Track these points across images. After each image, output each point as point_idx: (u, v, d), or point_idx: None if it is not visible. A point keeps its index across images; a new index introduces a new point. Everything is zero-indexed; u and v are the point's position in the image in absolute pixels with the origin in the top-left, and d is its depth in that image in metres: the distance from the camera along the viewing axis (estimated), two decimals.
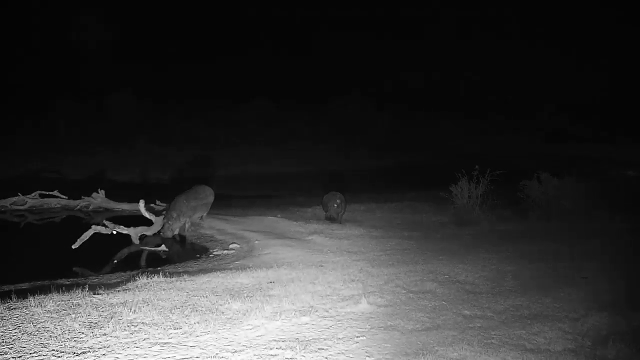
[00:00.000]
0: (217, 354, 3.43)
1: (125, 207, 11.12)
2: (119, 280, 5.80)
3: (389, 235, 8.30)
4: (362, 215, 10.32)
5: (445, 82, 34.77)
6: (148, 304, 4.33)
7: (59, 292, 4.63)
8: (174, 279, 5.37)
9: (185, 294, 4.71)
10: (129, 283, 5.20)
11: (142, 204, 9.07)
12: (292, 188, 16.13)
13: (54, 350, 3.37)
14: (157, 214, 9.57)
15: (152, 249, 8.10)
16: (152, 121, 27.06)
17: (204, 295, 4.66)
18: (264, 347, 3.54)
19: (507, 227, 9.01)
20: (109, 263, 7.35)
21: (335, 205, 9.43)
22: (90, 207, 11.30)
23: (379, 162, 24.00)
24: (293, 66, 34.15)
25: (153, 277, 5.40)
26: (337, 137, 28.74)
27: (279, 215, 9.96)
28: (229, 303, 4.45)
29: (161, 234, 8.73)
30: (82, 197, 11.40)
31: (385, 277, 5.57)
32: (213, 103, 29.71)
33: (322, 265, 6.09)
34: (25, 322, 3.82)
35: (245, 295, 4.72)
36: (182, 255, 7.80)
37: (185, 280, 5.26)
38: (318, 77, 33.79)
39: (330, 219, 9.51)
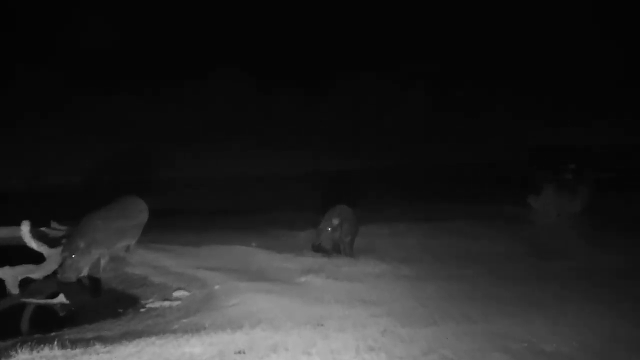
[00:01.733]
0: None
1: None
2: None
3: (427, 275, 8.46)
4: (385, 243, 10.54)
5: (501, 49, 34.97)
6: None
7: None
8: (77, 351, 5.26)
9: None
10: None
11: (25, 227, 8.92)
12: (277, 199, 16.23)
13: None
14: (52, 243, 9.38)
15: (43, 301, 8.09)
16: (58, 95, 26.93)
17: None
18: None
19: (625, 261, 9.09)
20: None
21: (329, 228, 9.63)
22: None
23: (408, 161, 24.02)
24: (282, 30, 34.00)
25: (41, 349, 5.30)
26: (345, 125, 28.81)
27: (254, 244, 10.27)
28: None
29: (59, 276, 8.66)
30: None
31: (424, 343, 5.59)
32: (162, 76, 29.56)
33: (321, 325, 6.19)
34: None
35: None
36: (95, 310, 7.82)
37: (98, 353, 5.19)
38: (316, 44, 33.76)
39: (320, 250, 9.76)
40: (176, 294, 7.96)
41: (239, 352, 5.21)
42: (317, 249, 9.86)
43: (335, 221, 9.69)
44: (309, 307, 6.97)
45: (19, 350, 5.26)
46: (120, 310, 7.66)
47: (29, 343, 5.51)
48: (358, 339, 5.67)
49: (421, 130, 29.12)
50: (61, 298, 8.08)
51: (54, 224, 10.85)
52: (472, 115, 31.96)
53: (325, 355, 5.21)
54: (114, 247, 9.37)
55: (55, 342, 5.52)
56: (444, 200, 14.88)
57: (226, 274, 8.41)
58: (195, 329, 6.00)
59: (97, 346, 5.44)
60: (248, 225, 12.18)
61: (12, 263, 8.65)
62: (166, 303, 7.68)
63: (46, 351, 5.27)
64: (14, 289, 8.45)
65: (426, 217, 12.42)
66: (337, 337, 5.69)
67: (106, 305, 8.08)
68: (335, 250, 9.78)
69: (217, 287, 7.91)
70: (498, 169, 19.90)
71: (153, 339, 5.64)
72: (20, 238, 9.07)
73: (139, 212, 9.79)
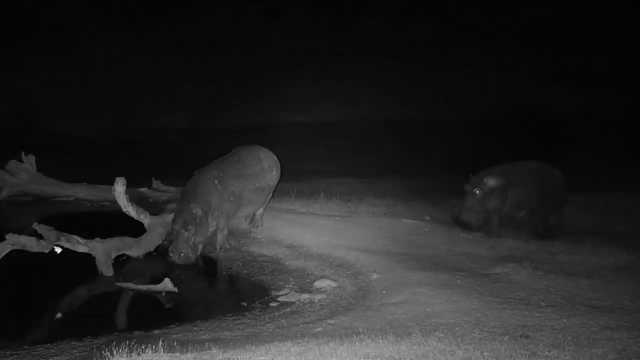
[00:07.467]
0: None
1: (80, 191, 11.52)
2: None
3: None
4: (629, 221, 10.64)
5: None
6: None
7: None
8: (188, 355, 5.39)
9: None
10: None
11: (120, 187, 9.08)
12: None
13: None
14: (155, 207, 9.78)
15: (145, 287, 8.27)
16: None
17: None
18: None
19: None
20: (46, 320, 7.46)
21: (477, 192, 9.63)
22: (3, 193, 11.79)
23: None
24: None
25: (143, 350, 5.44)
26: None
27: (428, 217, 10.72)
28: None
29: (172, 255, 8.99)
30: None
31: None
32: None
33: (526, 336, 6.09)
34: None
35: None
36: (211, 303, 8.12)
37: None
38: None
39: (460, 224, 9.81)
40: (319, 284, 8.01)
41: None
42: (457, 221, 9.70)
43: (492, 182, 9.48)
44: (508, 310, 6.91)
45: (114, 351, 5.45)
46: (244, 304, 7.74)
47: (127, 342, 5.71)
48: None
49: None
50: (167, 284, 8.13)
51: (156, 184, 11.55)
52: None
53: None
54: (235, 216, 9.50)
55: (160, 343, 5.68)
56: None
57: (388, 259, 8.36)
58: (345, 335, 6.02)
59: (214, 350, 5.55)
60: (414, 189, 11.99)
61: (104, 235, 8.89)
62: (305, 297, 7.72)
63: (149, 354, 5.42)
64: (106, 270, 8.72)
65: None
66: (550, 356, 5.50)
67: (225, 296, 8.34)
68: (482, 227, 9.65)
69: (374, 276, 7.94)
70: None
71: (288, 344, 5.69)
72: (113, 201, 9.40)
73: (268, 169, 9.76)
